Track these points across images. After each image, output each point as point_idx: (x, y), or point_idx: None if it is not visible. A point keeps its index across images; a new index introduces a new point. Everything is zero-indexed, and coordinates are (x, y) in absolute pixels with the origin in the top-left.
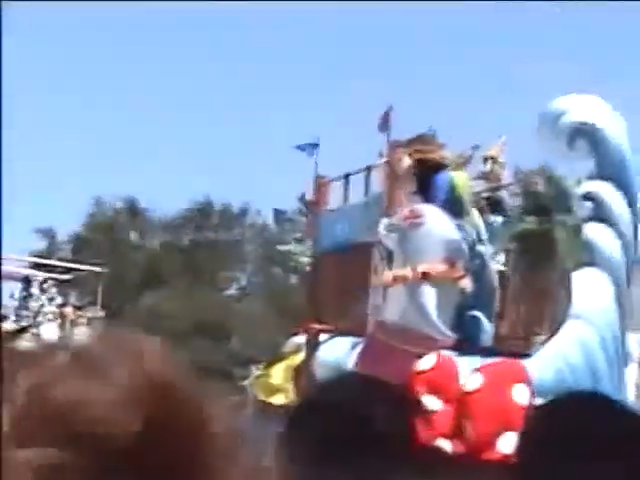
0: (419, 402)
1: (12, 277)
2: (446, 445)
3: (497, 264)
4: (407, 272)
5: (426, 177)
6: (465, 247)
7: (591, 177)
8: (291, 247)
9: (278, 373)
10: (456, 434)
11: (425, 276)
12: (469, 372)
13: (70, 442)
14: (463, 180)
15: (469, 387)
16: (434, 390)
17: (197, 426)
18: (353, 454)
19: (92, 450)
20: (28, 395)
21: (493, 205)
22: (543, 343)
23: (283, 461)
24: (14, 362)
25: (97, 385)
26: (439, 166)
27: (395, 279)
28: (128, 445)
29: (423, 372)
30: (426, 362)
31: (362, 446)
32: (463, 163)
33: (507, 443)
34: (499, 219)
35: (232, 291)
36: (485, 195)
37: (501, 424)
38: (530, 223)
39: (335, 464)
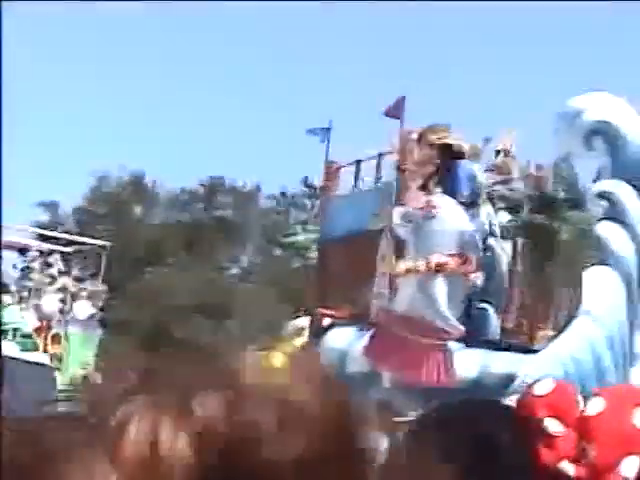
0: (540, 425)
1: (14, 247)
2: (569, 468)
3: (506, 258)
4: (420, 264)
5: (449, 164)
6: (479, 240)
7: (607, 176)
8: (297, 238)
9: (279, 356)
10: (579, 458)
11: (438, 268)
12: (477, 365)
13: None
14: (479, 172)
15: (591, 411)
16: (555, 414)
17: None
18: (476, 476)
19: None
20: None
21: (503, 198)
22: (549, 339)
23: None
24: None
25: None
26: (460, 154)
27: (408, 270)
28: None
29: (543, 396)
30: (545, 386)
31: (485, 468)
32: (474, 155)
33: (630, 467)
34: (508, 213)
35: (234, 271)
36: (496, 188)
37: (624, 448)
38: (540, 218)
39: None
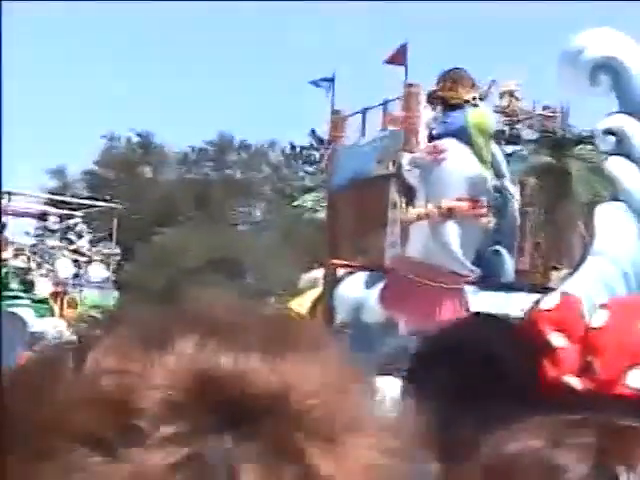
0: (545, 340)
1: (26, 214)
2: (574, 382)
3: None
4: (431, 209)
5: (442, 112)
6: (488, 183)
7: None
8: (304, 199)
9: (296, 307)
10: (583, 371)
11: (449, 213)
12: (492, 307)
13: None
14: (479, 117)
15: (595, 323)
16: (559, 328)
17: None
18: (480, 393)
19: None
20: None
21: (510, 139)
22: (563, 278)
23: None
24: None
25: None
26: (457, 105)
27: (419, 216)
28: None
29: (547, 310)
30: (550, 300)
31: (489, 385)
32: (480, 98)
33: (636, 379)
34: (516, 152)
35: (246, 226)
36: (502, 129)
37: (629, 359)
38: (548, 157)
39: (462, 403)
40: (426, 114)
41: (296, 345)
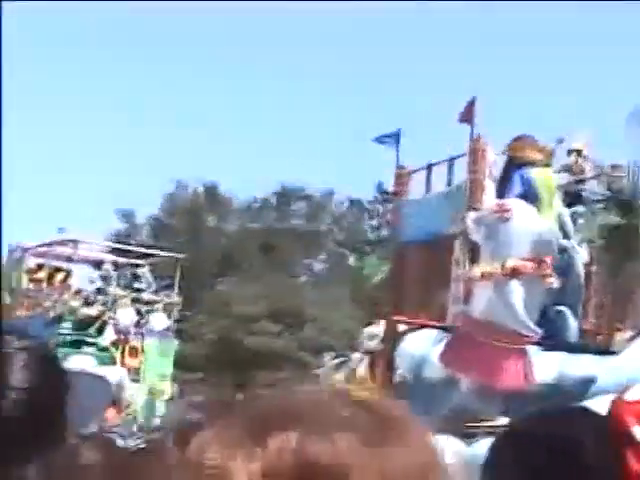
0: (629, 434)
1: (90, 261)
2: None
3: (582, 259)
4: (495, 268)
5: (508, 171)
6: (554, 242)
7: None
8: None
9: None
10: None
11: (513, 272)
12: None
13: None
14: (545, 176)
15: None
16: None
17: None
18: None
19: None
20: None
21: (576, 198)
22: (628, 340)
23: None
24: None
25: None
26: (526, 163)
27: (483, 275)
28: None
29: (633, 403)
30: (635, 392)
31: (573, 477)
32: (547, 157)
33: None
34: (582, 212)
35: (307, 278)
36: (569, 188)
37: None
38: (615, 217)
39: None
40: (492, 170)
41: (393, 436)
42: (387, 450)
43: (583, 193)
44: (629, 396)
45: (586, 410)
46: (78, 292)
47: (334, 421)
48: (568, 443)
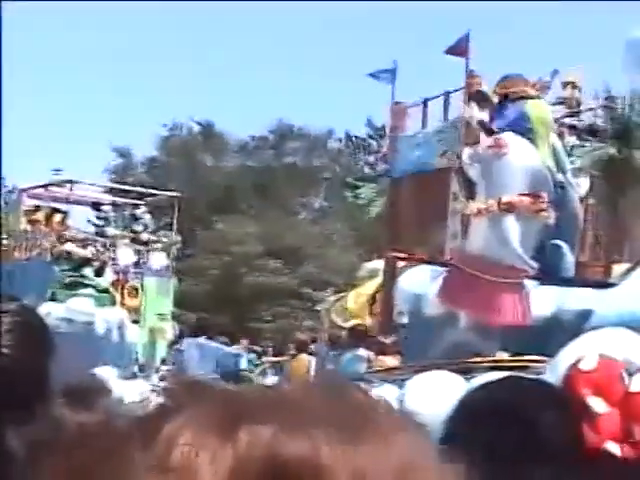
0: (584, 404)
1: (87, 202)
2: (615, 449)
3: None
4: (491, 204)
5: (502, 107)
6: (549, 177)
7: None
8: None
9: (353, 298)
10: (625, 437)
11: (509, 207)
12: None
13: None
14: (539, 109)
15: (634, 387)
16: (599, 392)
17: None
18: (520, 458)
19: None
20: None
21: (573, 131)
22: (625, 272)
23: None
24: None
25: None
26: (520, 98)
27: (479, 211)
28: None
29: (586, 372)
30: (588, 363)
31: (529, 450)
32: (542, 89)
33: None
34: (578, 144)
35: (306, 215)
36: (565, 121)
37: None
38: (613, 149)
39: (502, 467)
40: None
41: (370, 434)
42: (364, 448)
43: (578, 125)
44: (584, 365)
45: (541, 382)
46: (76, 233)
47: (312, 416)
48: (523, 415)
